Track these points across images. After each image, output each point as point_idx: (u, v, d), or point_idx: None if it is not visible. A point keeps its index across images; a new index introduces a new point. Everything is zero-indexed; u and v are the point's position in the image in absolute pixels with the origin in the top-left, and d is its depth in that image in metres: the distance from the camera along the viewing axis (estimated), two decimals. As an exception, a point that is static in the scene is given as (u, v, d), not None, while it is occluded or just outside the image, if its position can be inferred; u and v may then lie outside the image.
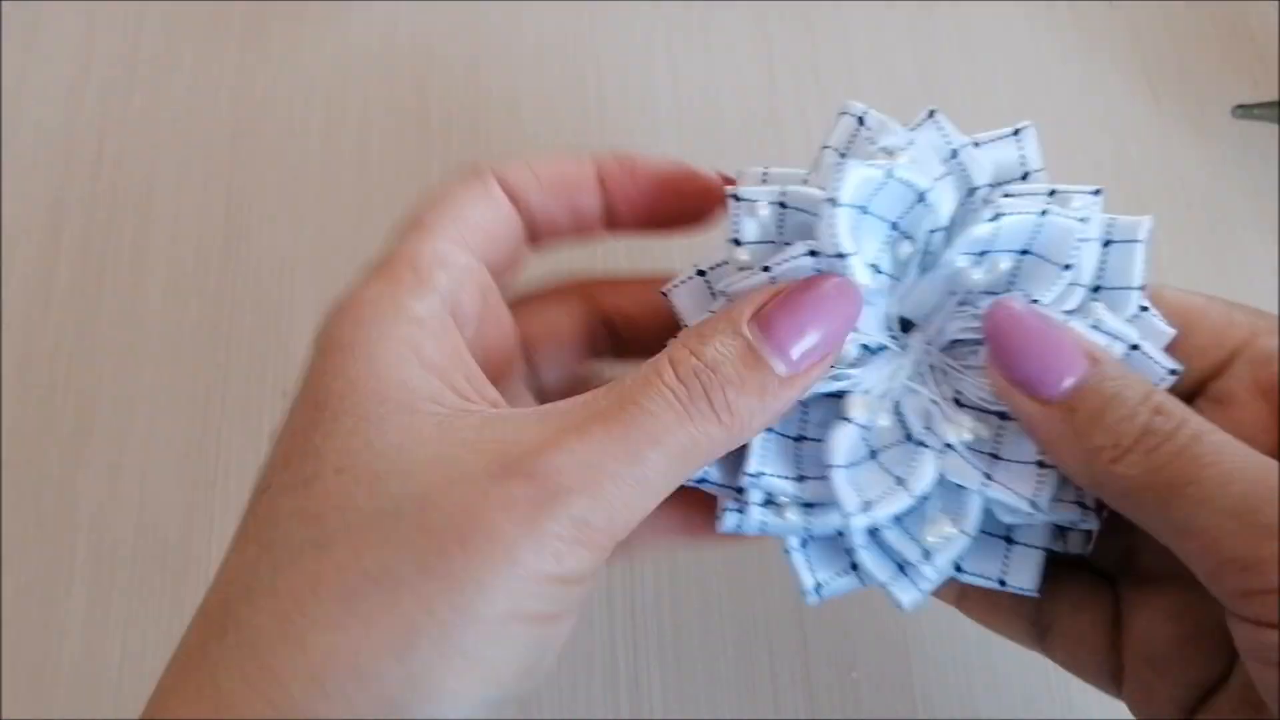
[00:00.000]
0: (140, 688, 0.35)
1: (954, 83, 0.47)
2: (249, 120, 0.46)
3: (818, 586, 0.27)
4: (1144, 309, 0.27)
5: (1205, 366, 0.27)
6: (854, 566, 0.27)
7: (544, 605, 0.21)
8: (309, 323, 0.41)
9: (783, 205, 0.26)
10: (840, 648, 0.37)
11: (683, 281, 0.28)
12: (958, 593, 0.29)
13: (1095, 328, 0.26)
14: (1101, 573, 0.29)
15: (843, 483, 0.25)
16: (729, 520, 0.27)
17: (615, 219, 0.29)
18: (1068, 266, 0.26)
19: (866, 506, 0.25)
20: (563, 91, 0.47)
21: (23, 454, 0.39)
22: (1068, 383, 0.24)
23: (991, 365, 0.25)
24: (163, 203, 0.44)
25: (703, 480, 0.27)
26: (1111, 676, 0.27)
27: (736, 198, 0.27)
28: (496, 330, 0.27)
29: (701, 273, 0.28)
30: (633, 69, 0.47)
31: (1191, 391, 0.27)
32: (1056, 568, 0.28)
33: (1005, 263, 0.26)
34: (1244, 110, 0.45)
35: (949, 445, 0.26)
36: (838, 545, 0.27)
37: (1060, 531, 0.27)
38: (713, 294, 0.28)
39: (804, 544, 0.27)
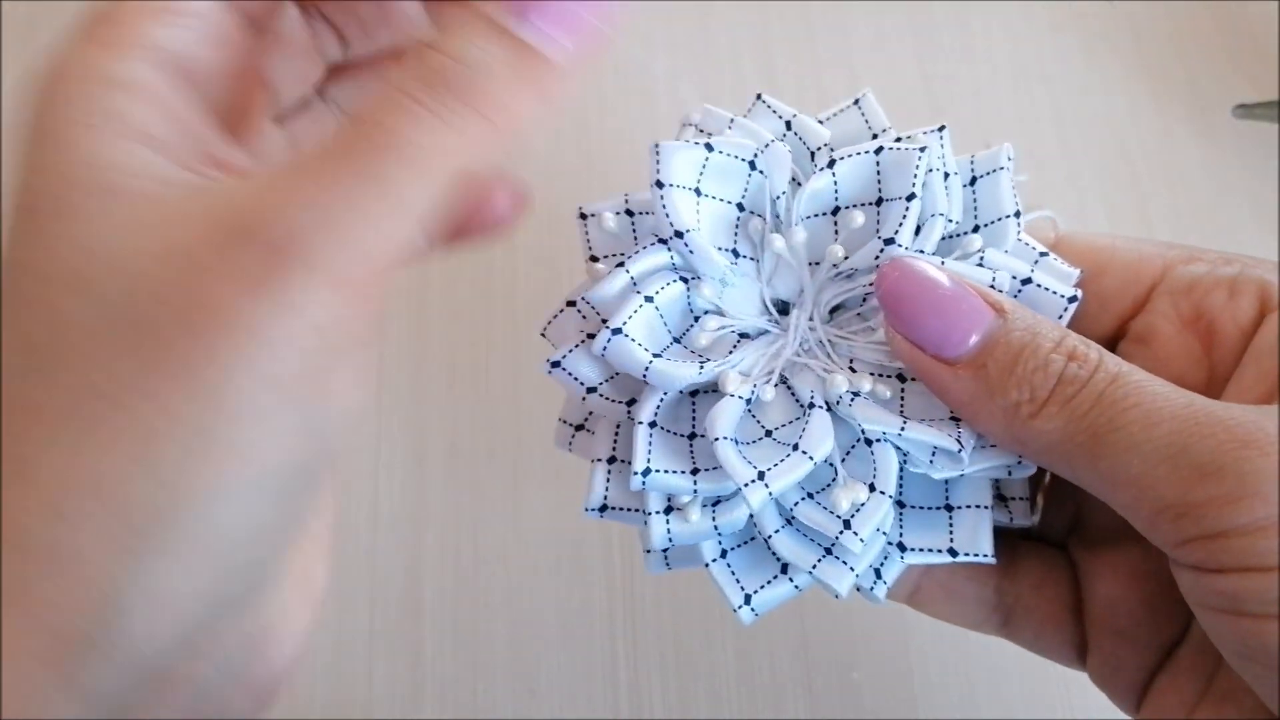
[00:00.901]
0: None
1: (954, 83, 0.47)
2: (249, 120, 0.46)
3: (748, 598, 0.25)
4: (1044, 254, 0.26)
5: (1124, 306, 0.26)
6: (785, 569, 0.25)
7: (296, 367, 0.18)
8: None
9: (629, 213, 0.26)
10: (840, 648, 0.36)
11: (555, 316, 0.27)
12: (909, 590, 0.28)
13: (981, 265, 0.25)
14: (1054, 543, 0.28)
15: (730, 453, 0.23)
16: (652, 562, 0.26)
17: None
18: (911, 196, 0.25)
19: (761, 477, 0.23)
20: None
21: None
22: (974, 339, 0.22)
23: (890, 329, 0.24)
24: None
25: (604, 509, 0.26)
26: (1077, 651, 0.27)
27: (584, 215, 0.27)
28: (244, 80, 0.23)
29: (571, 303, 0.27)
30: (633, 69, 0.47)
31: (1114, 334, 0.26)
32: (1011, 548, 0.27)
33: (860, 218, 0.25)
34: (1244, 110, 0.45)
35: (855, 394, 0.24)
36: (765, 551, 0.25)
37: (1003, 502, 0.26)
38: (584, 318, 0.26)
39: (723, 554, 0.26)
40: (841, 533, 0.23)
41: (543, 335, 0.27)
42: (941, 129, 0.26)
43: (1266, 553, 0.19)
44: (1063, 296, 0.25)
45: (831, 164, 0.25)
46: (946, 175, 0.26)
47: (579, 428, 0.28)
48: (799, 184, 0.26)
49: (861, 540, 0.23)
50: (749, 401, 0.25)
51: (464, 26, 0.19)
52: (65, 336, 0.18)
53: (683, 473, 0.24)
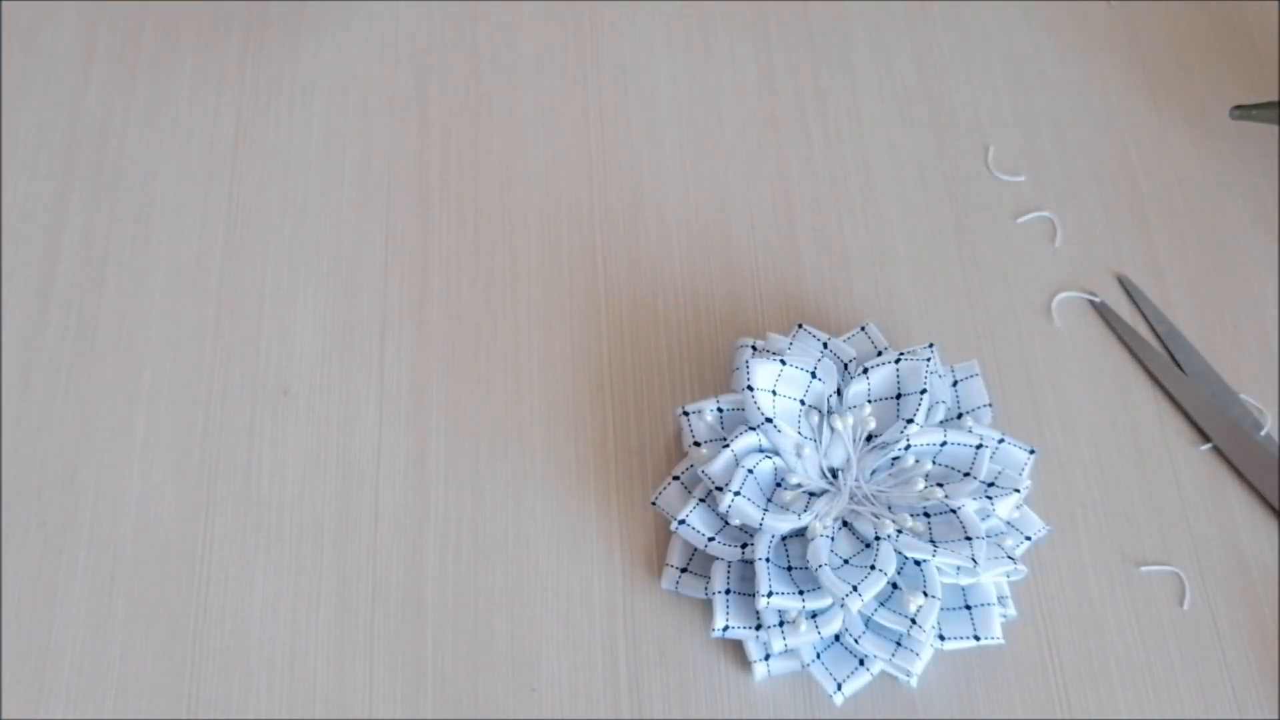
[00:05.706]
0: (140, 687, 0.36)
1: (953, 83, 0.47)
2: (249, 121, 0.46)
3: (839, 686, 0.34)
4: (1002, 440, 0.36)
5: None
6: (861, 662, 0.35)
7: None
8: (309, 322, 0.41)
9: (720, 410, 0.36)
10: (840, 647, 0.36)
11: (663, 490, 0.37)
12: None
13: (970, 431, 0.35)
14: None
15: (829, 576, 0.33)
16: (758, 671, 0.35)
17: None
18: (924, 391, 0.35)
19: (854, 590, 0.32)
20: (563, 91, 0.47)
21: (23, 454, 0.39)
22: None
23: None
24: (163, 203, 0.44)
25: (726, 629, 0.35)
26: None
27: (686, 413, 0.36)
28: None
29: (676, 478, 0.37)
30: (633, 69, 0.47)
31: None
32: None
33: (889, 403, 0.36)
34: (1242, 111, 0.45)
35: (899, 531, 0.34)
36: (844, 651, 0.35)
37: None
38: (688, 490, 0.37)
39: (818, 656, 0.35)
40: (910, 628, 0.33)
41: (653, 505, 0.37)
42: (930, 345, 0.37)
43: None
44: (1026, 450, 0.36)
45: (865, 371, 0.36)
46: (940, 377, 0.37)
47: (684, 570, 0.37)
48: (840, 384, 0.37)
49: (924, 631, 0.33)
50: (831, 539, 0.34)
51: None
52: None
53: (792, 593, 0.33)
